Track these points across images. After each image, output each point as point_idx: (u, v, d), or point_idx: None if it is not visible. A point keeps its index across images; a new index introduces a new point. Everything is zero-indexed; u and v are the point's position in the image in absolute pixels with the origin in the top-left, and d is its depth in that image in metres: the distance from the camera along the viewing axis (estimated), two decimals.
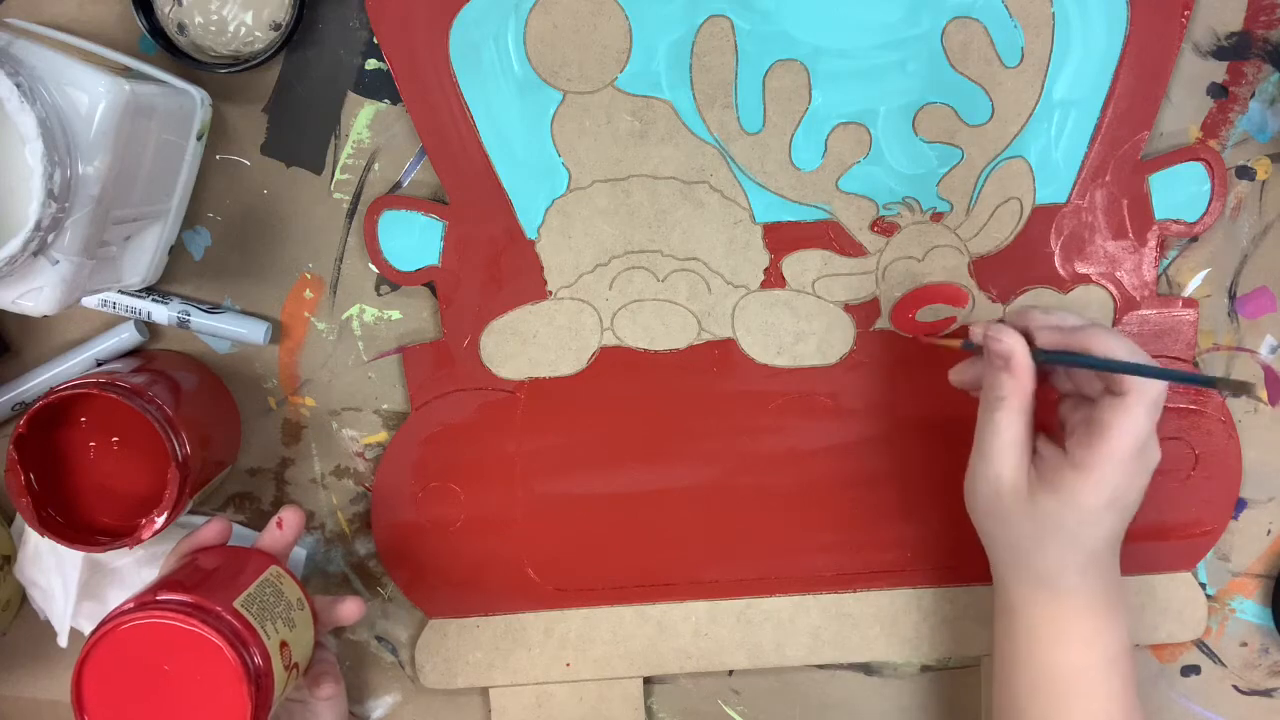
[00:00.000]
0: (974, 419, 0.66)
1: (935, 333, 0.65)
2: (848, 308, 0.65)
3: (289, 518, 0.61)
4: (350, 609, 0.62)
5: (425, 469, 0.66)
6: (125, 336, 0.65)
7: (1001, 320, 0.59)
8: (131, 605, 0.53)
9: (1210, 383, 0.51)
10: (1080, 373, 0.57)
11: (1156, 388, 0.54)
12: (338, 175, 0.64)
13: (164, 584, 0.54)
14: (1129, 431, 0.54)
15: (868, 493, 0.67)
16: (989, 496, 0.58)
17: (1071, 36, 0.62)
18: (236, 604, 0.53)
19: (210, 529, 0.60)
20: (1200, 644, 0.69)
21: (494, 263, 0.64)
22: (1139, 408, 0.54)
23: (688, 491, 0.67)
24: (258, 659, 0.53)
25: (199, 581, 0.55)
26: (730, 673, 0.70)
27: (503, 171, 0.63)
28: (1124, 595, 0.60)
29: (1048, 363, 0.57)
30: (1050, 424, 0.59)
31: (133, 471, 0.61)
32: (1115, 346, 0.55)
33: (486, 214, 0.64)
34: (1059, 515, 0.56)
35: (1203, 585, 0.68)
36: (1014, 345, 0.57)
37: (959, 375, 0.61)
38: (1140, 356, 0.55)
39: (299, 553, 0.67)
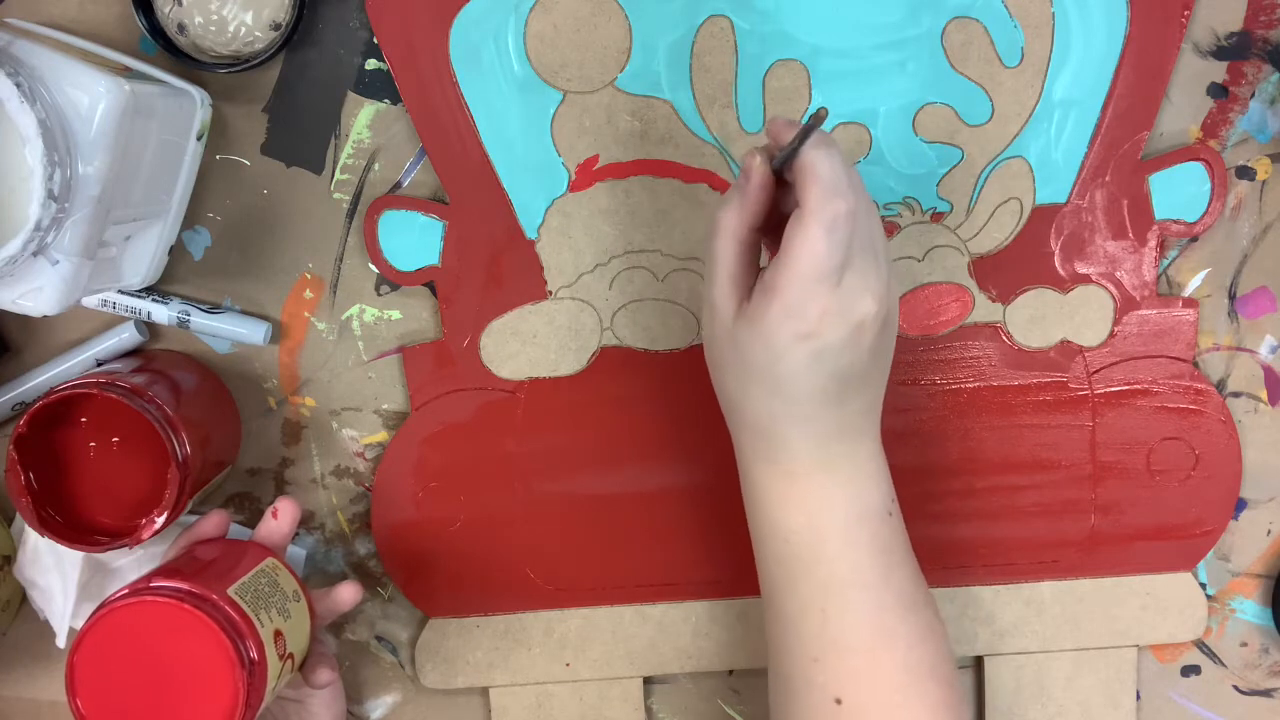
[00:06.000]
0: (973, 419, 0.66)
1: (937, 332, 0.65)
2: None
3: (284, 507, 0.61)
4: (347, 593, 0.62)
5: (425, 469, 0.66)
6: (125, 336, 0.65)
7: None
8: (126, 591, 0.53)
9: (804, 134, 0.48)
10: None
11: (833, 206, 0.49)
12: (338, 175, 0.64)
13: (159, 571, 0.55)
14: (806, 250, 0.49)
15: None
16: (709, 335, 0.54)
17: (1071, 36, 0.62)
18: (230, 591, 0.54)
19: (209, 521, 0.60)
20: (1200, 644, 0.69)
21: (494, 263, 0.64)
22: (814, 224, 0.49)
23: (688, 491, 0.67)
24: (251, 645, 0.53)
25: (195, 570, 0.55)
26: (730, 673, 0.70)
27: (503, 171, 0.63)
28: (870, 462, 0.55)
29: (779, 168, 0.52)
30: None
31: (133, 471, 0.61)
32: (818, 157, 0.50)
33: (486, 214, 0.64)
34: (751, 350, 0.51)
35: (1203, 585, 0.68)
36: (752, 162, 0.52)
37: None
38: (843, 177, 0.49)
39: (299, 553, 0.67)
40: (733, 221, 0.53)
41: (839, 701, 0.54)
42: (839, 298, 0.50)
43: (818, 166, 0.50)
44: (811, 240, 0.49)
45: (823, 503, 0.54)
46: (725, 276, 0.53)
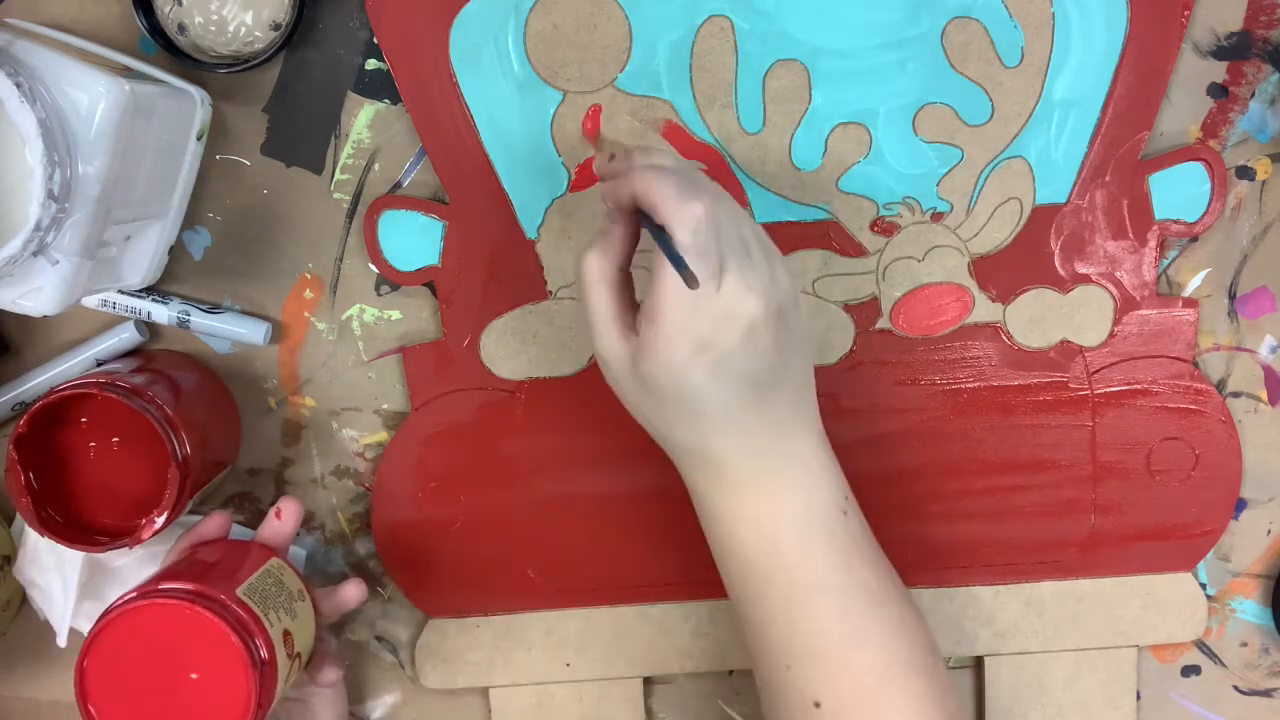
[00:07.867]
0: (973, 419, 0.66)
1: (936, 332, 0.65)
2: (848, 308, 0.65)
3: (288, 508, 0.61)
4: (352, 592, 0.62)
5: (425, 469, 0.66)
6: (125, 336, 0.65)
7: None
8: (134, 594, 0.53)
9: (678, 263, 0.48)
10: None
11: (688, 211, 0.49)
12: (338, 175, 0.64)
13: (166, 574, 0.55)
14: (671, 268, 0.49)
15: (867, 493, 0.67)
16: (612, 382, 0.54)
17: (1071, 36, 0.62)
18: (239, 592, 0.54)
19: (211, 523, 0.60)
20: (1200, 644, 0.69)
21: (494, 263, 0.64)
22: (674, 236, 0.49)
23: (688, 491, 0.66)
24: (261, 646, 0.53)
25: (201, 572, 0.55)
26: (730, 673, 0.70)
27: (503, 171, 0.63)
28: (815, 460, 0.55)
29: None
30: None
31: (133, 471, 0.61)
32: (650, 175, 0.50)
33: (486, 214, 0.64)
34: (655, 380, 0.51)
35: (1203, 585, 0.68)
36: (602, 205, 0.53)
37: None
38: (687, 184, 0.50)
39: (299, 553, 0.67)
40: (596, 266, 0.53)
41: (818, 705, 0.54)
42: (721, 304, 0.50)
43: (656, 183, 0.50)
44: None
45: (771, 511, 0.54)
46: (606, 322, 0.53)
